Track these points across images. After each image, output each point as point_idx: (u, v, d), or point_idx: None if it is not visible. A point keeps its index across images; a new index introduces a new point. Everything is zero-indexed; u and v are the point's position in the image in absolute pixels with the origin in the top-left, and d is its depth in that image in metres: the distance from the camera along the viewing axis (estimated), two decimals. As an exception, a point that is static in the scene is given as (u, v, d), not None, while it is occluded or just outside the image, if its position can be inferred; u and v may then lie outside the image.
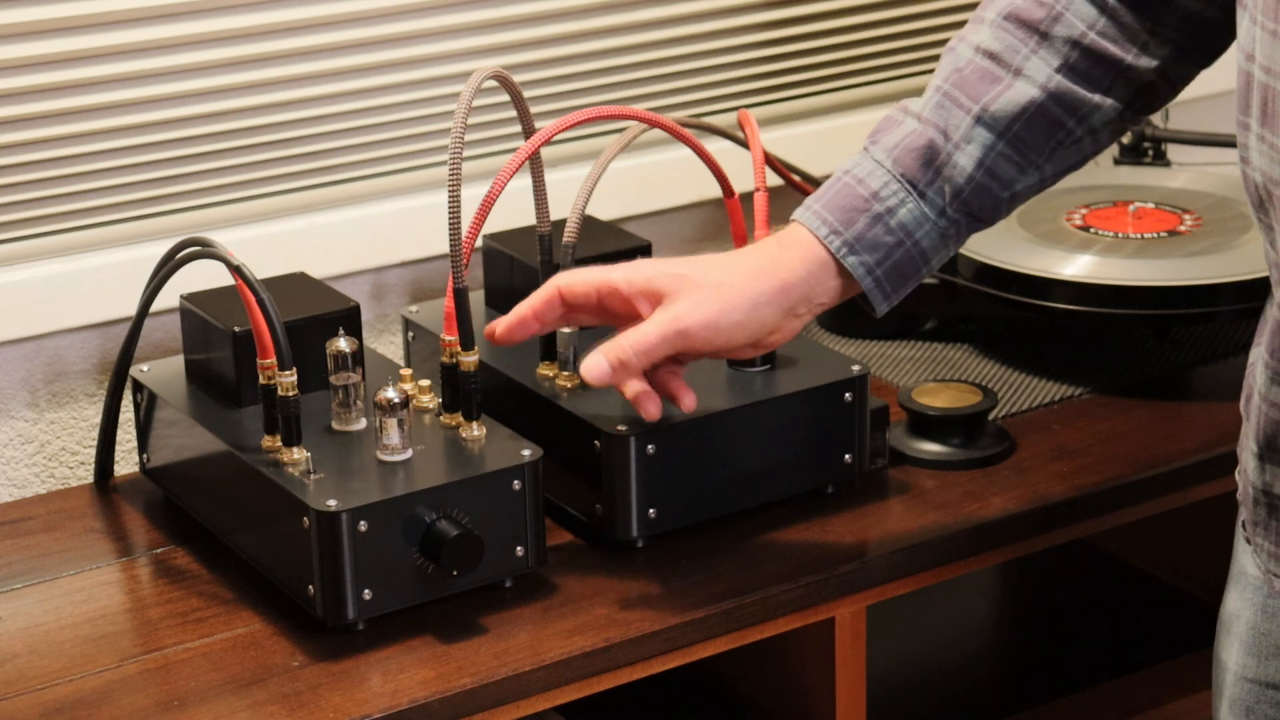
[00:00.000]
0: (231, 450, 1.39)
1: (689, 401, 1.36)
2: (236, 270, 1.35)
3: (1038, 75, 1.33)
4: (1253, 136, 1.15)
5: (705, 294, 1.31)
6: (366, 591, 1.31)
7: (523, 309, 1.34)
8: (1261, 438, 1.19)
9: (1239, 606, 1.26)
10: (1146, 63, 1.34)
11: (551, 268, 1.47)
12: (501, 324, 1.34)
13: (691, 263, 1.34)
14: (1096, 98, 1.34)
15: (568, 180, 1.68)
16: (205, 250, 1.40)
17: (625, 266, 1.34)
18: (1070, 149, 1.36)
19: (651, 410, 1.33)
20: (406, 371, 1.42)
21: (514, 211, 1.63)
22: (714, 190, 1.56)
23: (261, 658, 1.31)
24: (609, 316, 1.35)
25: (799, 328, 1.35)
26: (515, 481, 1.34)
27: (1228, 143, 1.81)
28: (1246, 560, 1.25)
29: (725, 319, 1.31)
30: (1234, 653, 1.26)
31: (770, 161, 1.54)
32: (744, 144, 1.51)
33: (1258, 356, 1.20)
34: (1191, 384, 1.68)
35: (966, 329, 1.76)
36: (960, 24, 2.01)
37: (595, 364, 1.31)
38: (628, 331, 1.31)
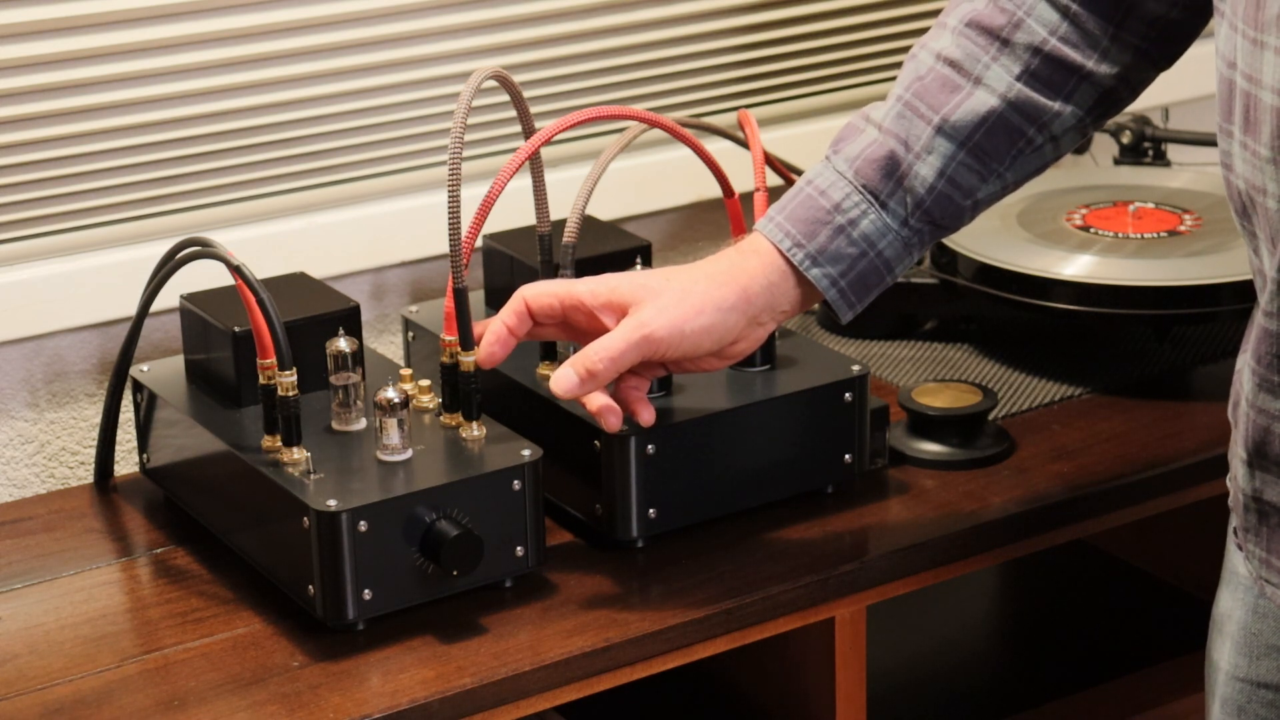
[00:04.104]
0: (231, 450, 1.39)
1: (648, 416, 1.36)
2: (236, 270, 1.35)
3: (998, 84, 1.33)
4: (1235, 144, 1.15)
5: (669, 300, 1.31)
6: (366, 591, 1.31)
7: (498, 326, 1.34)
8: (1250, 444, 1.19)
9: (1230, 606, 1.26)
10: (1108, 68, 1.34)
11: (551, 268, 1.47)
12: (483, 348, 1.34)
13: (654, 273, 1.34)
14: (1057, 105, 1.34)
15: (568, 180, 1.68)
16: (205, 250, 1.40)
17: (589, 280, 1.34)
18: (1031, 156, 1.36)
19: (613, 422, 1.33)
20: (406, 371, 1.42)
21: (514, 211, 1.63)
22: (714, 190, 1.56)
23: (261, 658, 1.31)
24: (573, 332, 1.36)
25: (763, 336, 1.36)
26: (515, 481, 1.34)
27: (1228, 143, 1.81)
28: (1238, 561, 1.25)
29: (690, 325, 1.31)
30: (1226, 652, 1.26)
31: (770, 161, 1.54)
32: (744, 144, 1.51)
33: (1244, 364, 1.20)
34: (1191, 384, 1.68)
35: (966, 329, 1.76)
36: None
37: (563, 376, 1.31)
38: (594, 342, 1.32)
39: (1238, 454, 1.20)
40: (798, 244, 1.34)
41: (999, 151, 1.34)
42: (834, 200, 1.34)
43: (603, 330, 1.33)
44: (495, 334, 1.33)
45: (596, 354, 1.31)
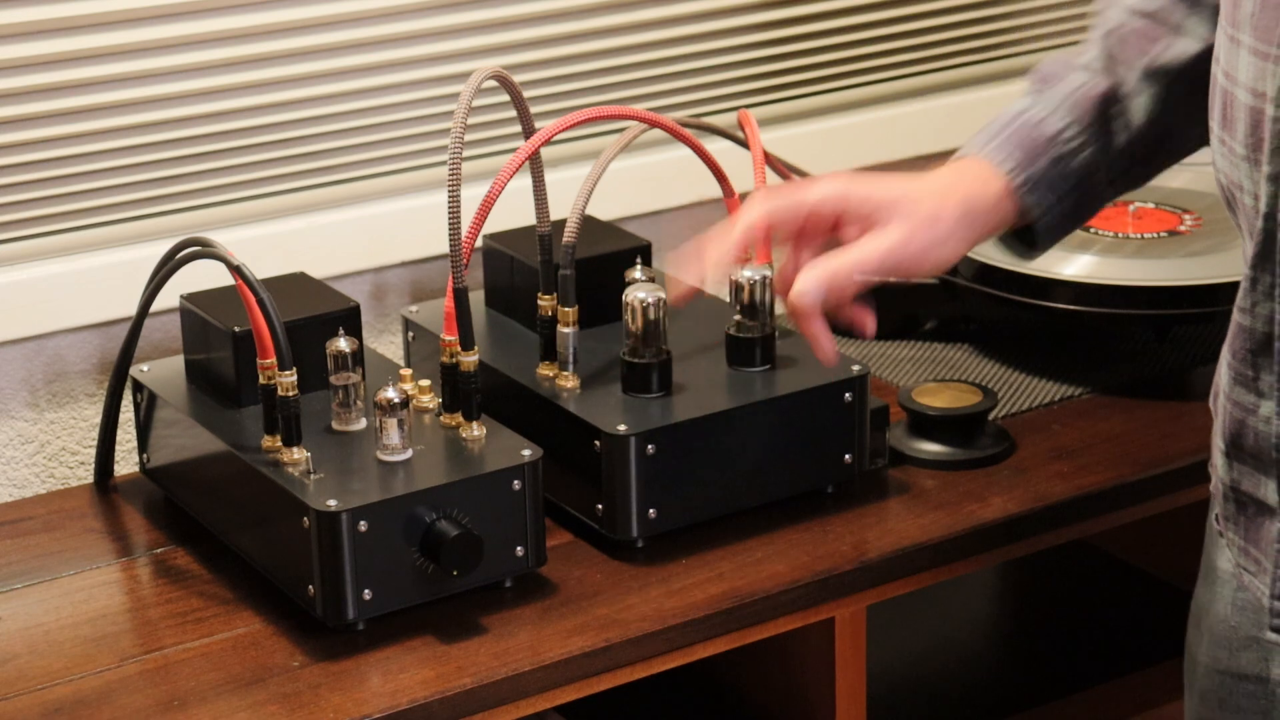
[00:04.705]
0: (231, 450, 1.39)
1: (873, 325, 1.32)
2: (236, 270, 1.35)
3: (1197, 33, 1.34)
4: (1216, 140, 1.17)
5: (923, 226, 1.30)
6: (366, 591, 1.31)
7: (729, 248, 1.29)
8: (1227, 435, 1.20)
9: (1208, 600, 1.27)
10: None
11: (551, 268, 1.47)
12: (712, 260, 1.29)
13: (904, 187, 1.32)
14: None
15: (568, 180, 1.68)
16: (205, 250, 1.40)
17: (830, 185, 1.30)
18: None
19: (830, 353, 1.29)
20: (406, 371, 1.41)
21: (514, 211, 1.63)
22: (714, 190, 1.56)
23: (261, 658, 1.31)
24: (796, 238, 1.32)
25: (959, 258, 1.35)
26: (515, 481, 1.34)
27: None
28: (1216, 554, 1.26)
29: (931, 256, 1.31)
30: (1204, 645, 1.27)
31: (770, 161, 1.54)
32: (744, 144, 1.51)
33: (1223, 356, 1.21)
34: (1191, 384, 1.68)
35: (966, 329, 1.76)
36: (959, 23, 2.01)
37: (806, 292, 1.26)
38: (842, 254, 1.28)
39: (1217, 445, 1.22)
40: (1019, 166, 1.34)
41: (1204, 96, 1.34)
42: (1051, 131, 1.35)
43: (821, 235, 1.31)
44: (724, 251, 1.29)
45: (849, 268, 1.27)
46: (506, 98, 1.45)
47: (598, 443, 1.40)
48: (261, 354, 1.35)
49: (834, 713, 1.45)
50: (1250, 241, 1.15)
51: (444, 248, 1.63)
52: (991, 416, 1.59)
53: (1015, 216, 1.35)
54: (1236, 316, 1.18)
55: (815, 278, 1.27)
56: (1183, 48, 1.35)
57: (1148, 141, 1.36)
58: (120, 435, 1.62)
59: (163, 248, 1.48)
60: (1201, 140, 1.37)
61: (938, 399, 1.56)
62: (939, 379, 1.68)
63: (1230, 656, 1.25)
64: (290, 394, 1.35)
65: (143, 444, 1.52)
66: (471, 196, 1.39)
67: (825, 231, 1.32)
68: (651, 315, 1.43)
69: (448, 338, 1.39)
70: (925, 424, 1.54)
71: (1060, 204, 1.35)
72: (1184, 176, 1.86)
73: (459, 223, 1.35)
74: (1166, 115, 1.35)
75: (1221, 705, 1.26)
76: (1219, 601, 1.25)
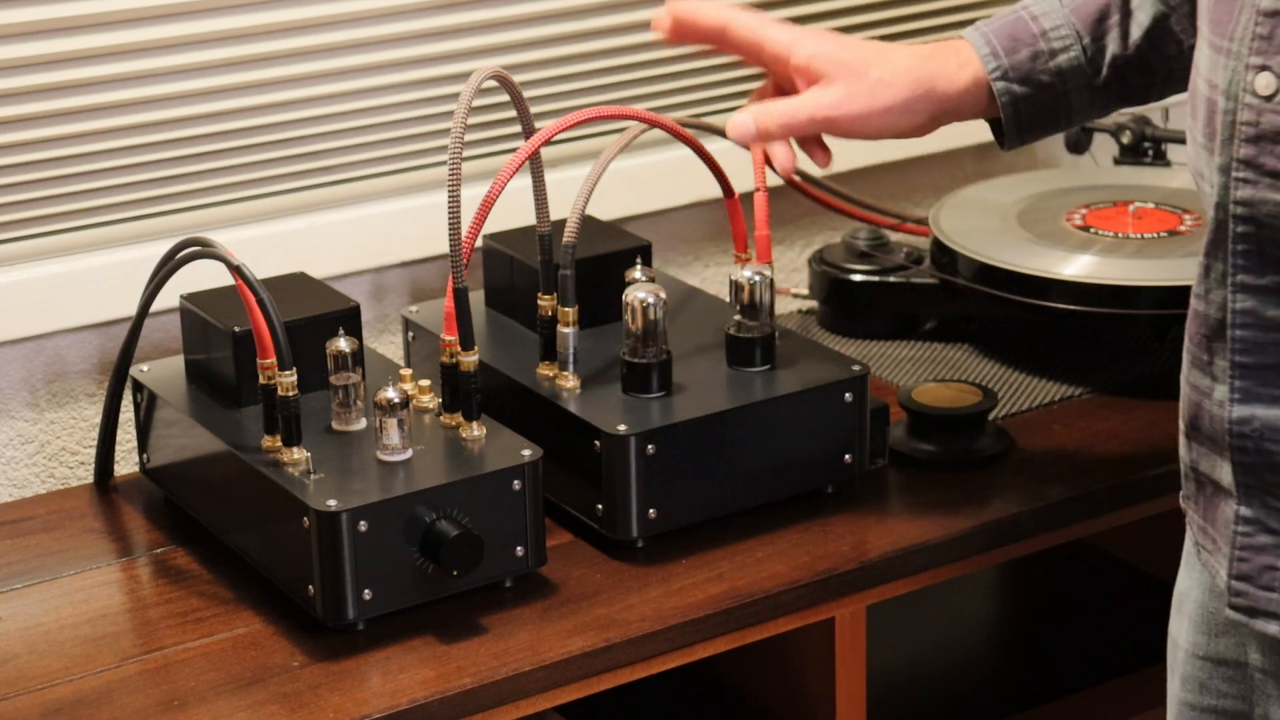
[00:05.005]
0: (231, 450, 1.39)
1: (825, 158, 1.39)
2: (236, 270, 1.35)
3: None
4: (1187, 127, 1.19)
5: (864, 89, 1.33)
6: (366, 591, 1.31)
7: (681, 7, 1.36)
8: (1186, 417, 1.22)
9: (1189, 586, 1.28)
10: None
11: (551, 268, 1.47)
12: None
13: (855, 51, 1.35)
14: None
15: (568, 180, 1.68)
16: (205, 250, 1.40)
17: (794, 33, 1.35)
18: None
19: (786, 162, 1.38)
20: (406, 371, 1.41)
21: (514, 211, 1.63)
22: (714, 190, 1.56)
23: (261, 658, 1.31)
24: (756, 60, 1.37)
25: (935, 129, 1.38)
26: (515, 481, 1.34)
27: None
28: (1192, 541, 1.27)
29: (874, 121, 1.34)
30: (1185, 631, 1.28)
31: (770, 162, 1.54)
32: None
33: (1184, 341, 1.23)
34: (1191, 384, 1.68)
35: (966, 329, 1.76)
36: (959, 24, 2.01)
37: (741, 123, 1.34)
38: (780, 103, 1.34)
39: (1180, 426, 1.23)
40: (994, 54, 1.36)
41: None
42: (1044, 27, 1.37)
43: (786, 79, 1.35)
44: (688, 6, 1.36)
45: (780, 117, 1.33)
46: (506, 98, 1.45)
47: (598, 443, 1.40)
48: (261, 354, 1.35)
49: (834, 713, 1.45)
50: (1206, 228, 1.16)
51: (444, 248, 1.62)
52: (991, 416, 1.59)
53: (987, 104, 1.37)
54: (1193, 302, 1.20)
55: (745, 115, 1.34)
56: None
57: (1136, 62, 1.37)
58: (120, 435, 1.62)
59: (163, 248, 1.48)
60: (1179, 88, 1.38)
61: (938, 399, 1.56)
62: (939, 379, 1.68)
63: (1209, 642, 1.26)
64: (290, 394, 1.35)
65: (143, 444, 1.52)
66: (471, 196, 1.39)
67: (786, 75, 1.35)
68: (651, 315, 1.43)
69: (448, 338, 1.39)
70: (925, 424, 1.54)
71: (1030, 99, 1.36)
72: (1184, 176, 1.86)
73: (459, 223, 1.35)
74: (1165, 39, 1.36)
75: (1201, 690, 1.27)
76: (1197, 588, 1.26)
